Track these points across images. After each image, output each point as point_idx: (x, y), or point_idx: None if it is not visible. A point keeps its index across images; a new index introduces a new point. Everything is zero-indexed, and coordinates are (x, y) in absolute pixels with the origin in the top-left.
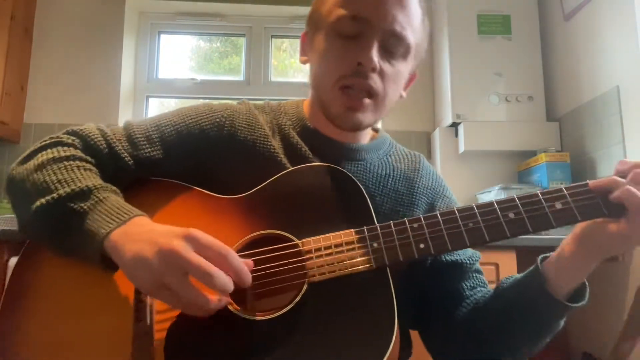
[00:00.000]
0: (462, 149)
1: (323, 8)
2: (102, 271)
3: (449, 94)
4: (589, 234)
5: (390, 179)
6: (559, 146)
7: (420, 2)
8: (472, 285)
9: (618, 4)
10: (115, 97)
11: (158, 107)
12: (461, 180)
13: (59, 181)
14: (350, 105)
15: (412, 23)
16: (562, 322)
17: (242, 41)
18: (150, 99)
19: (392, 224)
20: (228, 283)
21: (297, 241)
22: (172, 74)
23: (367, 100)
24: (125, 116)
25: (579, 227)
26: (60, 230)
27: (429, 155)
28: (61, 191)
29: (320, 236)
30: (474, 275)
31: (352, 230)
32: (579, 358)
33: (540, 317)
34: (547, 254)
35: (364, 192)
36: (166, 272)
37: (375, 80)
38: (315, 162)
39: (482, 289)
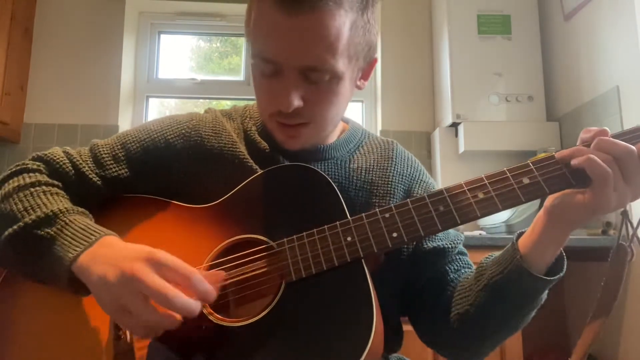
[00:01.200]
0: (462, 149)
1: (248, 28)
2: (73, 295)
3: (449, 94)
4: (557, 206)
5: (364, 171)
6: (559, 146)
7: (344, 7)
8: (456, 268)
9: (618, 4)
10: (115, 97)
11: (158, 107)
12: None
13: (25, 209)
14: (289, 136)
15: (330, 46)
16: (544, 296)
17: (242, 41)
18: (150, 99)
19: (363, 217)
20: (191, 305)
21: (271, 243)
22: (172, 74)
23: (303, 130)
24: (125, 116)
25: (549, 200)
26: (30, 258)
27: (429, 155)
28: (27, 219)
29: (294, 236)
30: (458, 257)
31: (325, 226)
32: None
33: (520, 293)
34: (524, 230)
35: (335, 187)
36: (125, 295)
37: (302, 115)
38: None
39: (467, 270)
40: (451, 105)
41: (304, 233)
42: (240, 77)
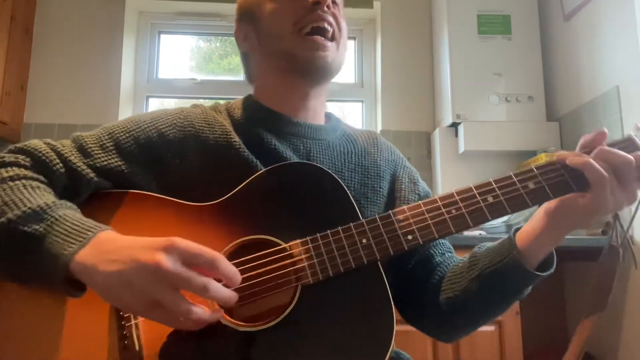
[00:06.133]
0: (462, 149)
1: None
2: (66, 295)
3: (449, 94)
4: (558, 208)
5: (354, 155)
6: (559, 146)
7: None
8: (440, 251)
9: (618, 4)
10: (115, 97)
11: (158, 107)
12: (461, 180)
13: (6, 204)
14: (316, 47)
15: None
16: (529, 289)
17: None
18: (150, 99)
19: (377, 218)
20: (224, 292)
21: (284, 245)
22: (172, 74)
23: (329, 43)
24: (125, 116)
25: (549, 202)
26: (16, 258)
27: (429, 155)
28: (10, 215)
29: (308, 238)
30: (441, 242)
31: (339, 228)
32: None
33: (511, 285)
34: (520, 226)
35: (344, 186)
36: (155, 290)
37: (331, 17)
38: (278, 149)
39: (450, 254)
40: (451, 105)
41: (318, 235)
42: (240, 77)
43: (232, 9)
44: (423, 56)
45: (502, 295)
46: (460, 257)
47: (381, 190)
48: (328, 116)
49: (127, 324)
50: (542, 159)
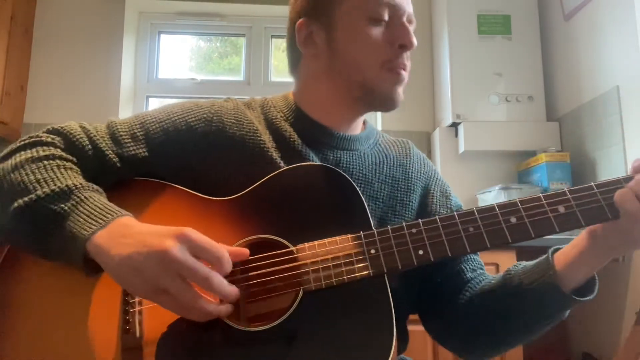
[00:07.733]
0: (462, 149)
1: None
2: (84, 275)
3: (449, 94)
4: (602, 231)
5: (385, 166)
6: (559, 146)
7: None
8: (472, 267)
9: (618, 4)
10: (115, 97)
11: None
12: (461, 180)
13: (38, 181)
14: (398, 82)
15: None
16: (566, 313)
17: (242, 41)
18: (150, 99)
19: (389, 229)
20: (226, 286)
21: (292, 247)
22: (172, 74)
23: (406, 75)
24: (125, 116)
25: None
26: (40, 233)
27: (429, 155)
28: (40, 192)
29: (316, 242)
30: (472, 257)
31: (349, 235)
32: (579, 358)
33: (546, 308)
34: (560, 246)
35: (360, 192)
36: (161, 276)
37: (409, 59)
38: (308, 155)
39: (482, 271)
40: (451, 105)
41: (326, 240)
42: (240, 77)
43: (232, 9)
44: (423, 56)
45: (534, 316)
46: (492, 275)
47: (410, 203)
48: (364, 123)
49: (130, 310)
50: (542, 159)
